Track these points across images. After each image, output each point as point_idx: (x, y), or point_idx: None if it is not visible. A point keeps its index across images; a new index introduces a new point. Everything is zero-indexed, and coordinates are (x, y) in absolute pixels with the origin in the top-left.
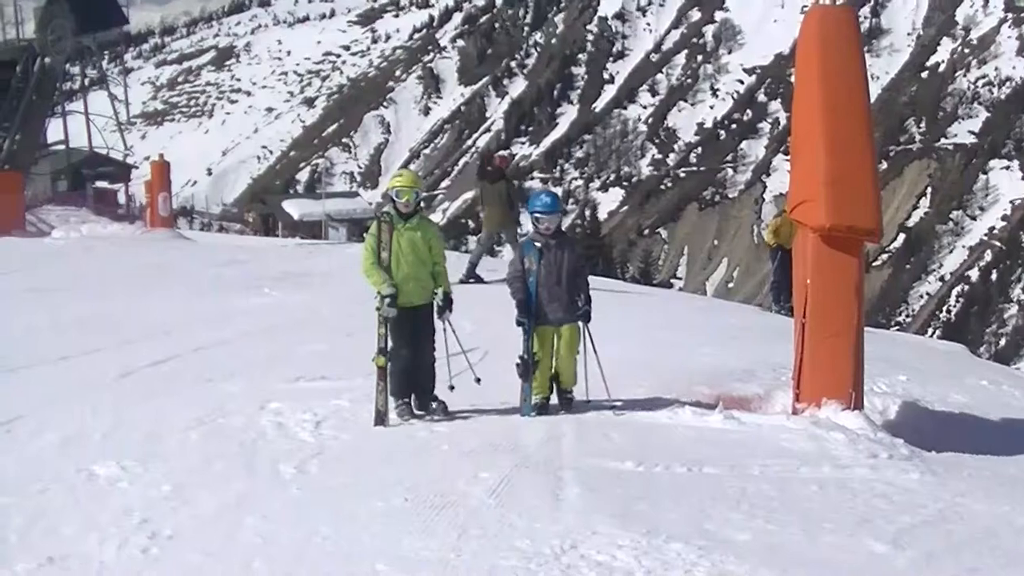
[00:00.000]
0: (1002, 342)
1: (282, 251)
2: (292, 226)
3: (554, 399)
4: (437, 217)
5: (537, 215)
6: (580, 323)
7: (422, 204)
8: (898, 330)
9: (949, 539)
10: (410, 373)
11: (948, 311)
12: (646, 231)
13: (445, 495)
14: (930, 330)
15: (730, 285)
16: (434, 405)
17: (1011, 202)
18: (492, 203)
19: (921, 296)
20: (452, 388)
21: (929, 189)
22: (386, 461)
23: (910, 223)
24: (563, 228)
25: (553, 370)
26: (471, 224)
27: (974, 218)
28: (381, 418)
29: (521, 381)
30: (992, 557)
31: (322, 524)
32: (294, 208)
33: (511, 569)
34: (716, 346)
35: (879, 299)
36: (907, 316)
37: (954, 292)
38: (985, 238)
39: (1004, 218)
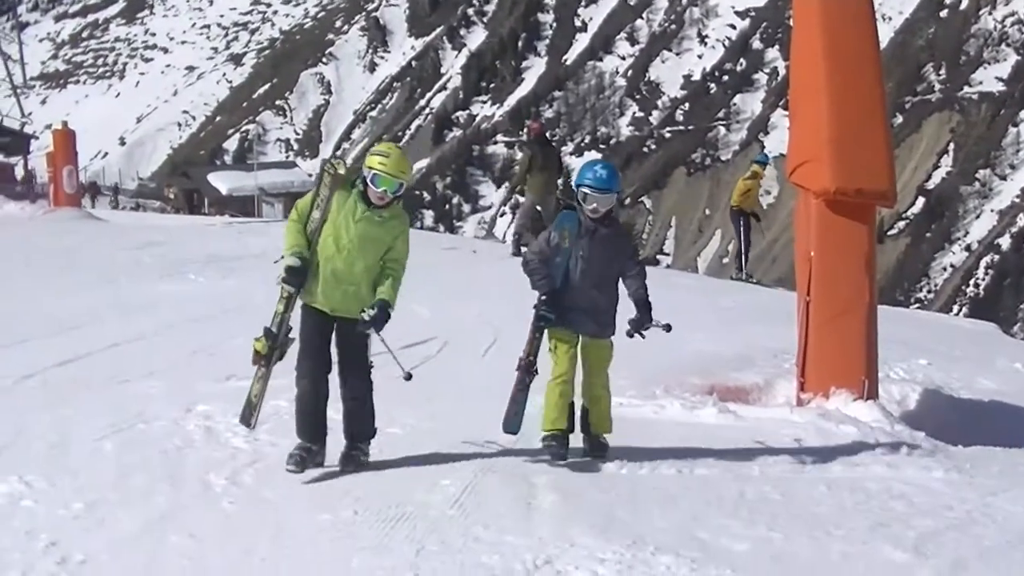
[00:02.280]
0: None
1: (209, 231)
2: (220, 202)
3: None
4: None
5: (586, 190)
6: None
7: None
8: (918, 307)
9: (978, 545)
10: (316, 413)
11: (976, 285)
12: (627, 200)
13: (401, 506)
14: (956, 307)
15: (725, 260)
16: (348, 461)
17: None
18: (543, 168)
19: (944, 268)
20: (409, 378)
21: (951, 145)
22: (332, 470)
23: (930, 185)
24: (615, 215)
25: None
26: (426, 196)
27: (1004, 178)
28: (248, 414)
29: (514, 387)
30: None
31: (259, 542)
32: (222, 182)
33: None
34: (710, 330)
35: (895, 273)
36: (929, 292)
37: (982, 263)
38: (1017, 200)
39: None
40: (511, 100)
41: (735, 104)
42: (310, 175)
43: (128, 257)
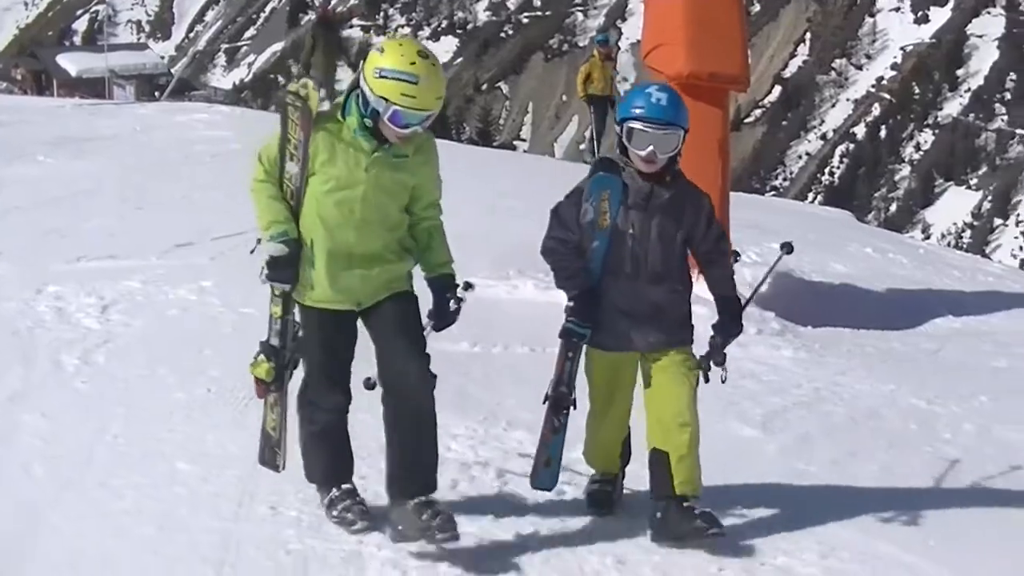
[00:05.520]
0: (892, 208)
1: (58, 112)
2: (70, 84)
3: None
4: (243, 72)
5: (636, 124)
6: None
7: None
8: (774, 195)
9: (825, 421)
10: (346, 446)
11: (831, 173)
12: (484, 86)
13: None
14: (811, 195)
15: (581, 146)
16: (433, 519)
17: (901, 49)
18: (325, 52)
19: (800, 156)
20: (469, 287)
21: (808, 35)
22: (186, 349)
23: (787, 73)
24: (678, 168)
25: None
26: (280, 79)
27: (859, 67)
28: (271, 454)
29: (543, 427)
30: (873, 439)
31: (113, 421)
32: (71, 63)
33: None
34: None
35: (752, 161)
36: (784, 180)
37: (838, 151)
38: (872, 90)
39: (894, 67)
40: None
41: None
42: (162, 57)
43: None
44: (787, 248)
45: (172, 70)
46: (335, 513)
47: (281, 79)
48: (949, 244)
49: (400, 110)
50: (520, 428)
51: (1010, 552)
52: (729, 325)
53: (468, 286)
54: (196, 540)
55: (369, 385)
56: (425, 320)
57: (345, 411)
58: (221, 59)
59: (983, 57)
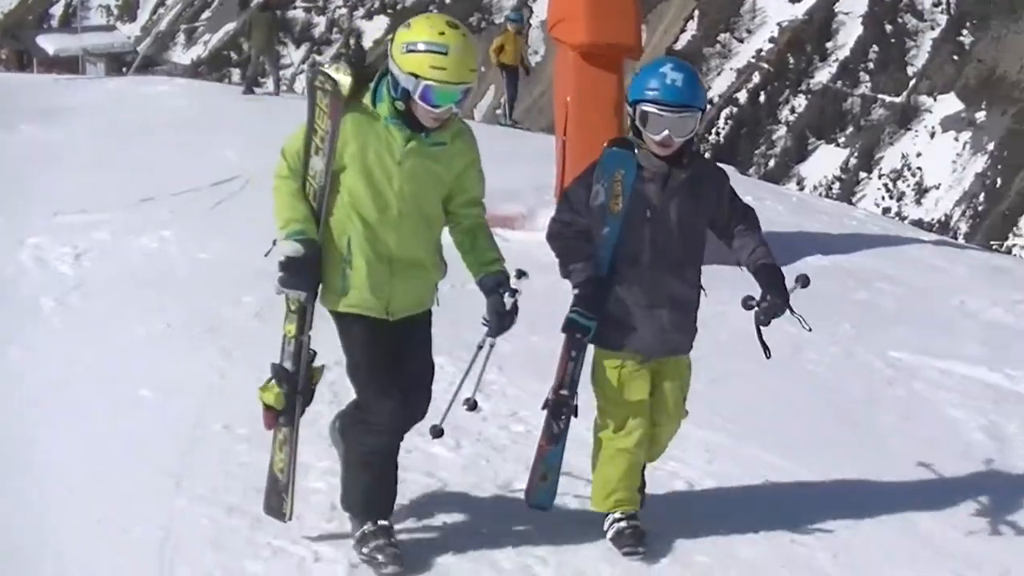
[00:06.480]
0: (771, 163)
1: (38, 87)
2: (48, 62)
3: None
4: (200, 49)
5: (650, 108)
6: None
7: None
8: None
9: (712, 342)
10: (393, 475)
11: (717, 133)
12: None
13: (208, 320)
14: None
15: (498, 111)
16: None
17: (778, 24)
18: (265, 29)
19: None
20: (474, 407)
21: (696, 12)
22: (147, 291)
23: (678, 46)
24: (696, 146)
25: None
26: (234, 56)
27: (741, 40)
28: (277, 501)
29: (541, 437)
30: (751, 359)
31: (84, 354)
32: (49, 43)
33: None
34: (484, 168)
35: None
36: None
37: (723, 114)
38: (753, 60)
39: (771, 40)
40: None
41: None
42: (129, 37)
43: None
44: (802, 281)
45: (138, 48)
46: (365, 551)
47: (234, 55)
48: (821, 194)
49: (432, 85)
50: (442, 354)
51: (857, 448)
52: (774, 297)
53: (521, 274)
54: (158, 456)
55: (436, 432)
56: (482, 324)
57: (399, 432)
58: (181, 38)
59: (849, 32)
